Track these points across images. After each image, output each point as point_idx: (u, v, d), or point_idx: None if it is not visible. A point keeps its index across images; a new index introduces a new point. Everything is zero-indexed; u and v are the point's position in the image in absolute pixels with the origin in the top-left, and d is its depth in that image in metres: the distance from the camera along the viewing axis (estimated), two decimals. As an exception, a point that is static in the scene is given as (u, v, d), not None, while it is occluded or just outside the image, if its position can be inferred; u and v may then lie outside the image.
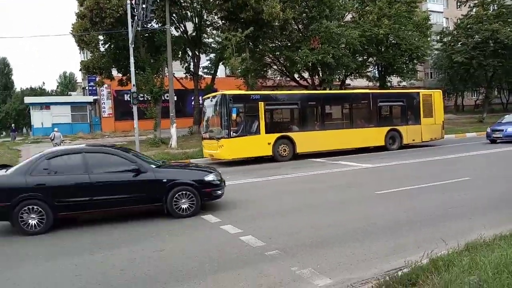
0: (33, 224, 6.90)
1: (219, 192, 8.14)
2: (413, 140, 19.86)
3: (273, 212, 7.96)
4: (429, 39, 33.27)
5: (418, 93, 20.94)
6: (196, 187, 7.75)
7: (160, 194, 7.59)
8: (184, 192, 7.65)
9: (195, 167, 10.03)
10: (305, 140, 17.24)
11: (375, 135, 19.05)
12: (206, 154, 17.37)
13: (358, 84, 37.10)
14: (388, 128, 19.35)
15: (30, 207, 6.88)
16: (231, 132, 15.62)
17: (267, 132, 16.43)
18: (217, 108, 16.13)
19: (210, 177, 8.01)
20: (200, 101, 18.27)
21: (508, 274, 3.87)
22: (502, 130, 19.40)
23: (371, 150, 18.97)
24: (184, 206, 7.66)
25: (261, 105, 16.34)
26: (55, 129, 23.13)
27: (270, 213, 7.93)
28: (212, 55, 29.94)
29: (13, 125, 39.83)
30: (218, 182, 8.10)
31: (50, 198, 6.98)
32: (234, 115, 15.52)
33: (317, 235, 6.26)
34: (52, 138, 21.43)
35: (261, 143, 16.27)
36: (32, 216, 6.88)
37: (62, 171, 7.35)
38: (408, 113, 20.31)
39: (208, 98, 17.17)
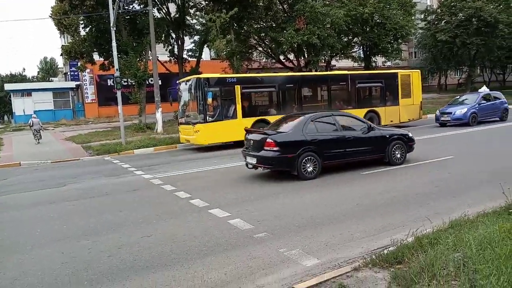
0: (309, 171, 8.95)
1: (414, 146, 10.43)
2: (391, 121, 19.64)
3: (260, 196, 7.99)
4: (413, 18, 33.23)
5: (396, 73, 20.75)
6: (405, 141, 10.19)
7: (384, 147, 9.87)
8: (398, 145, 10.02)
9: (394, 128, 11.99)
10: None
11: None
12: (183, 140, 16.95)
13: (344, 65, 37.04)
14: (367, 109, 19.19)
15: (308, 157, 8.94)
16: (207, 117, 15.23)
17: (244, 116, 16.04)
18: (192, 92, 15.79)
19: (410, 134, 10.40)
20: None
21: (491, 250, 3.96)
22: (451, 113, 18.79)
23: None
24: (398, 156, 10.04)
25: (238, 88, 15.93)
26: (33, 115, 22.75)
27: (257, 196, 7.95)
28: (196, 38, 29.43)
29: None
30: (413, 138, 10.40)
31: (320, 150, 9.10)
32: (209, 99, 15.06)
33: (304, 217, 6.31)
34: (31, 124, 21.18)
35: (238, 127, 15.49)
36: (309, 164, 8.92)
37: (322, 129, 9.45)
38: (387, 94, 20.25)
39: (183, 81, 16.78)
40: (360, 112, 18.85)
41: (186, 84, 16.40)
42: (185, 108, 16.89)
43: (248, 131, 10.75)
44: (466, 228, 4.81)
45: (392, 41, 30.88)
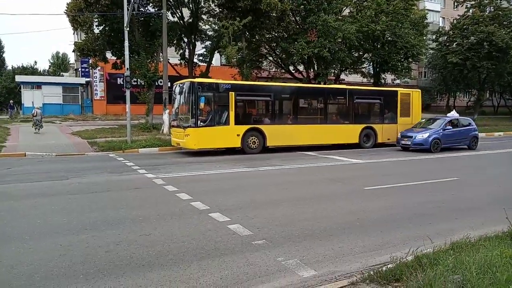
0: None
1: None
2: (388, 139, 19.49)
3: (261, 202, 7.96)
4: (425, 38, 33.34)
5: (396, 91, 20.57)
6: None
7: None
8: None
9: None
10: (276, 133, 16.82)
11: (349, 132, 18.71)
12: (174, 142, 16.77)
13: (353, 80, 37.25)
14: (363, 125, 19.07)
15: None
16: (199, 121, 15.09)
17: (236, 123, 15.91)
18: (186, 96, 15.65)
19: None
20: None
21: (491, 275, 3.92)
22: (411, 137, 17.64)
23: (345, 147, 18.57)
24: None
25: (232, 95, 15.77)
26: (36, 106, 24.87)
27: (258, 203, 7.92)
28: (208, 43, 29.64)
29: (11, 101, 38.33)
30: None
31: None
32: (202, 104, 14.92)
33: (304, 227, 6.28)
34: (35, 114, 22.69)
35: (229, 134, 15.76)
36: None
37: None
38: (385, 112, 20.05)
39: (178, 84, 16.62)
40: (357, 128, 18.90)
41: (180, 87, 16.24)
42: (178, 111, 16.69)
43: None
44: (466, 250, 4.77)
45: (403, 60, 30.96)
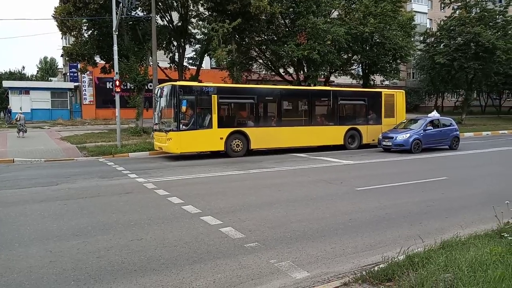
0: None
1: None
2: (373, 140, 19.45)
3: (253, 205, 7.96)
4: (412, 39, 33.66)
5: (380, 92, 20.57)
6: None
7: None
8: None
9: None
10: (261, 136, 16.73)
11: (334, 134, 18.72)
12: (156, 146, 16.58)
13: (343, 81, 37.47)
14: (348, 127, 19.10)
15: None
16: (181, 125, 14.97)
17: (219, 126, 15.80)
18: (167, 99, 15.48)
19: None
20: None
21: (482, 273, 3.96)
22: (392, 138, 17.62)
23: (331, 148, 18.62)
24: None
25: (214, 98, 15.66)
26: (19, 112, 25.77)
27: (250, 205, 7.91)
28: (197, 46, 29.60)
29: (9, 106, 37.02)
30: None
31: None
32: (184, 107, 14.76)
33: (297, 229, 6.29)
34: (18, 119, 23.35)
35: (212, 137, 15.67)
36: None
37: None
38: (370, 113, 20.08)
39: (160, 88, 16.45)
40: (341, 129, 18.88)
41: (161, 90, 16.06)
42: (160, 115, 16.45)
43: None
44: (457, 249, 4.82)
45: (391, 61, 31.25)
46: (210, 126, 15.65)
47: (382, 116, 20.12)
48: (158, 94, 16.42)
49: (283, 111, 18.04)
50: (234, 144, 16.17)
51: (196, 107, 15.52)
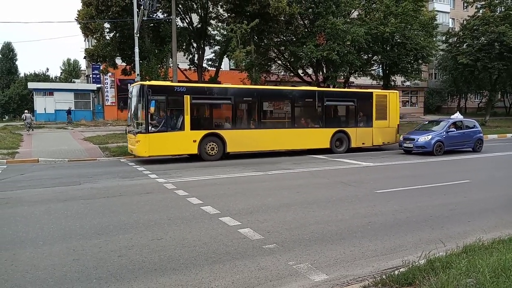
0: None
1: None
2: (363, 143, 18.80)
3: (272, 206, 7.96)
4: (434, 39, 33.06)
5: (371, 93, 19.50)
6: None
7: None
8: None
9: None
10: (238, 138, 16.02)
11: (320, 136, 17.84)
12: (129, 149, 16.03)
13: (362, 82, 37.11)
14: (335, 129, 18.19)
15: None
16: (149, 127, 14.28)
17: (192, 128, 15.06)
18: (136, 100, 14.83)
19: None
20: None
21: (505, 278, 3.87)
22: (413, 140, 17.22)
23: (318, 151, 17.83)
24: None
25: (187, 98, 14.91)
26: (26, 111, 27.77)
27: (269, 207, 7.92)
28: (216, 48, 29.81)
29: (69, 106, 37.69)
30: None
31: None
32: (152, 108, 14.02)
33: (315, 231, 6.27)
34: (24, 118, 25.14)
35: (185, 140, 14.95)
36: None
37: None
38: (359, 114, 19.06)
39: (132, 87, 15.81)
40: (327, 132, 17.94)
41: (132, 90, 15.45)
42: (132, 116, 15.92)
43: None
44: (479, 253, 4.72)
45: (412, 61, 30.71)
46: (182, 128, 14.97)
47: (373, 118, 19.10)
48: (130, 94, 15.88)
49: (263, 112, 17.16)
50: (208, 147, 15.45)
51: (167, 108, 14.94)
